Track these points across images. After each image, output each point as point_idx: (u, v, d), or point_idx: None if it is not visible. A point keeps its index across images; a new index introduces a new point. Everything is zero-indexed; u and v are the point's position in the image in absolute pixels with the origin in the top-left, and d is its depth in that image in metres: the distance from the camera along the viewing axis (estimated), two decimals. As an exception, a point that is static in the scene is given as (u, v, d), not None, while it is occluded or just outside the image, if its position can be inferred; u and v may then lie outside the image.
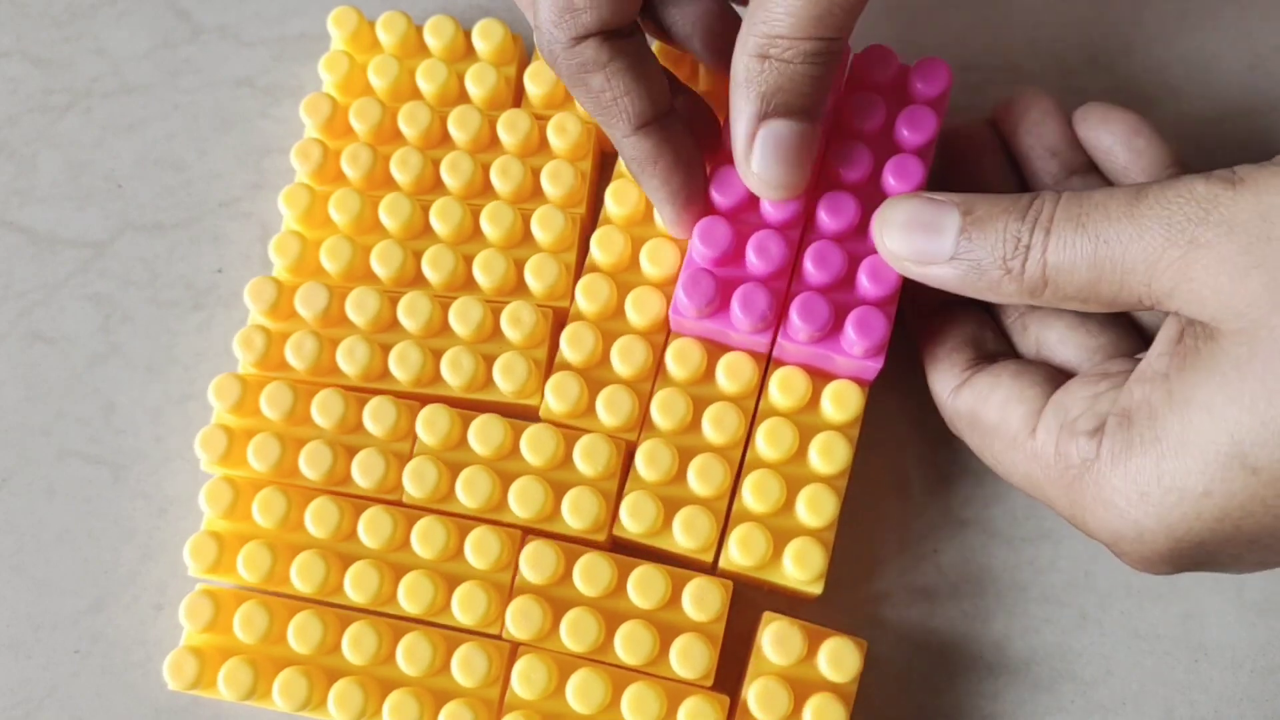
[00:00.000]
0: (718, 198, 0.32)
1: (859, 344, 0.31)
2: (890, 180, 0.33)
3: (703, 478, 0.32)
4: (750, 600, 0.33)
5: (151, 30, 0.41)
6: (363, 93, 0.37)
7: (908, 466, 0.36)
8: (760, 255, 0.32)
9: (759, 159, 0.29)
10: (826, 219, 0.32)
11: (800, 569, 0.31)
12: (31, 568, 0.36)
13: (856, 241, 0.33)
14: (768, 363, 0.33)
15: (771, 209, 0.32)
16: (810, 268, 0.32)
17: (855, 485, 0.35)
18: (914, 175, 0.32)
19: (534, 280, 0.34)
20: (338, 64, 0.37)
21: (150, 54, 0.40)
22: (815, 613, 0.34)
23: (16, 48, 0.41)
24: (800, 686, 0.31)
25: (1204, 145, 0.38)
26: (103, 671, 0.35)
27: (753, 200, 0.33)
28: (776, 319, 0.32)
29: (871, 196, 0.33)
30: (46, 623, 0.35)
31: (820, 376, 0.33)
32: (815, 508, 0.32)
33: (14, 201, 0.39)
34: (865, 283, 0.32)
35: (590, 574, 0.32)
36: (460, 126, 0.36)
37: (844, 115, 0.34)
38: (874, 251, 0.32)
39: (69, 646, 0.35)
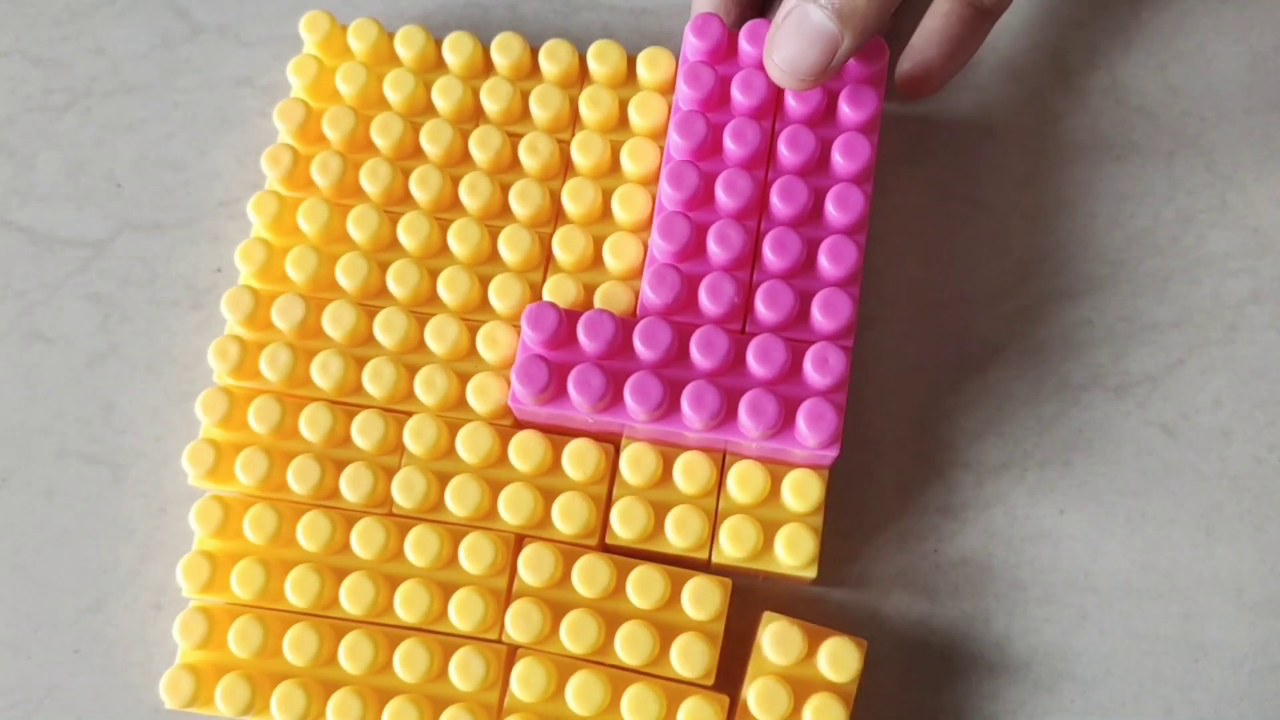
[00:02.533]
0: (672, 193, 0.33)
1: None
2: (839, 159, 0.33)
3: (688, 476, 0.32)
4: (750, 600, 0.33)
5: (151, 30, 0.41)
6: (331, 98, 0.37)
7: (907, 467, 0.36)
8: (722, 245, 0.32)
9: (783, 31, 0.30)
10: (780, 204, 0.33)
11: (792, 555, 0.31)
12: (31, 568, 0.36)
13: (812, 225, 0.33)
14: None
15: (727, 199, 0.32)
16: (770, 255, 0.32)
17: (855, 486, 0.35)
18: (862, 153, 0.33)
19: (498, 300, 0.34)
20: (306, 68, 0.36)
21: (150, 54, 0.40)
22: (815, 612, 0.34)
23: (16, 47, 0.41)
24: (800, 686, 0.31)
25: (1204, 145, 0.38)
26: (102, 671, 0.35)
27: (709, 193, 0.33)
28: (744, 305, 0.32)
29: (823, 178, 0.33)
30: (46, 623, 0.35)
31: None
32: (801, 493, 0.32)
33: (13, 201, 0.39)
34: (825, 264, 0.32)
35: (589, 575, 0.32)
36: (432, 140, 0.35)
37: (785, 100, 0.34)
38: (833, 232, 0.32)
39: (68, 646, 0.35)
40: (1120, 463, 0.35)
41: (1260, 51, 0.39)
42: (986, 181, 0.38)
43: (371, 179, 0.35)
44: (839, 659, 0.31)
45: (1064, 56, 0.39)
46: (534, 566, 0.32)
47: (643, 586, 0.31)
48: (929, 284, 0.37)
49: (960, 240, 0.38)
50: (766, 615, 0.32)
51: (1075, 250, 0.37)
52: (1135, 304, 0.37)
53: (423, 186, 0.35)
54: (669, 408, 0.31)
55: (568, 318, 0.32)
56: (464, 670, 0.31)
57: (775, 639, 0.31)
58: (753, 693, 0.31)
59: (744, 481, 0.32)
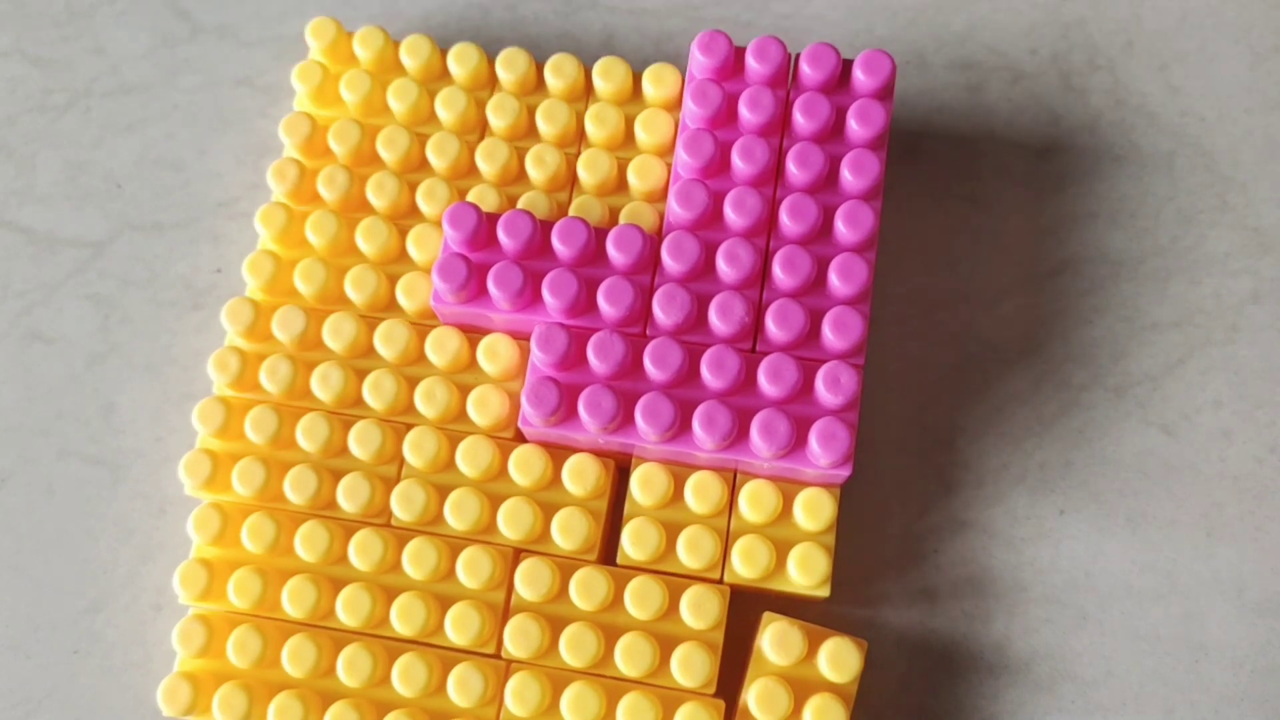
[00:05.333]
0: (681, 212, 0.32)
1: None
2: (848, 176, 0.33)
3: (700, 496, 0.32)
4: (750, 600, 0.33)
5: (151, 30, 0.41)
6: (335, 104, 0.37)
7: (908, 467, 0.36)
8: (731, 264, 0.32)
9: None
10: (789, 223, 0.32)
11: (805, 574, 0.31)
12: (31, 568, 0.35)
13: (822, 243, 0.33)
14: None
15: (735, 218, 0.32)
16: (780, 273, 0.32)
17: (856, 486, 0.35)
18: (871, 169, 0.32)
19: None
20: (311, 74, 0.36)
21: (149, 54, 0.40)
22: (816, 613, 0.34)
23: (16, 48, 0.41)
24: (800, 687, 0.31)
25: (1204, 145, 0.38)
26: (102, 672, 0.35)
27: (717, 212, 0.33)
28: (754, 324, 0.32)
29: (832, 194, 0.33)
30: (46, 623, 0.35)
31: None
32: (813, 512, 0.32)
33: (13, 201, 0.39)
34: (836, 282, 0.32)
35: (586, 588, 0.31)
36: (439, 153, 0.35)
37: (793, 117, 0.33)
38: (843, 250, 0.32)
39: (68, 647, 0.35)
40: (1120, 463, 0.35)
41: (1260, 51, 0.39)
42: (986, 181, 0.38)
43: (378, 192, 0.35)
44: (839, 659, 0.31)
45: (1065, 56, 0.39)
46: (530, 581, 0.31)
47: (641, 597, 0.31)
48: (929, 284, 0.37)
49: (960, 240, 0.38)
50: (767, 615, 0.31)
51: (1075, 250, 0.37)
52: (1135, 304, 0.37)
53: (429, 199, 0.35)
54: (680, 428, 0.31)
55: (577, 338, 0.32)
56: (462, 686, 0.31)
57: (776, 639, 0.31)
58: (753, 694, 0.31)
59: (756, 501, 0.32)
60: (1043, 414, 0.36)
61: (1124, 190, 0.38)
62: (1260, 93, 0.39)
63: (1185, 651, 0.34)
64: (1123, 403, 0.36)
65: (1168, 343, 0.36)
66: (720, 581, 0.32)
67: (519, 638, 0.31)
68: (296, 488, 0.33)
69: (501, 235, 0.32)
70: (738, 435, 0.31)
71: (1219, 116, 0.39)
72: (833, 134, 0.34)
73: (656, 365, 0.31)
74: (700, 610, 0.31)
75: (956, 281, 0.37)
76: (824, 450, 0.30)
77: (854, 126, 0.33)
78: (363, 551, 0.32)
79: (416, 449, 0.33)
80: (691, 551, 0.31)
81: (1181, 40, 0.39)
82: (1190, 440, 0.36)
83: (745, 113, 0.33)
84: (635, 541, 0.32)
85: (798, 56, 0.34)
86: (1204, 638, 0.34)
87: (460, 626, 0.31)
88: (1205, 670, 0.34)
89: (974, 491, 0.35)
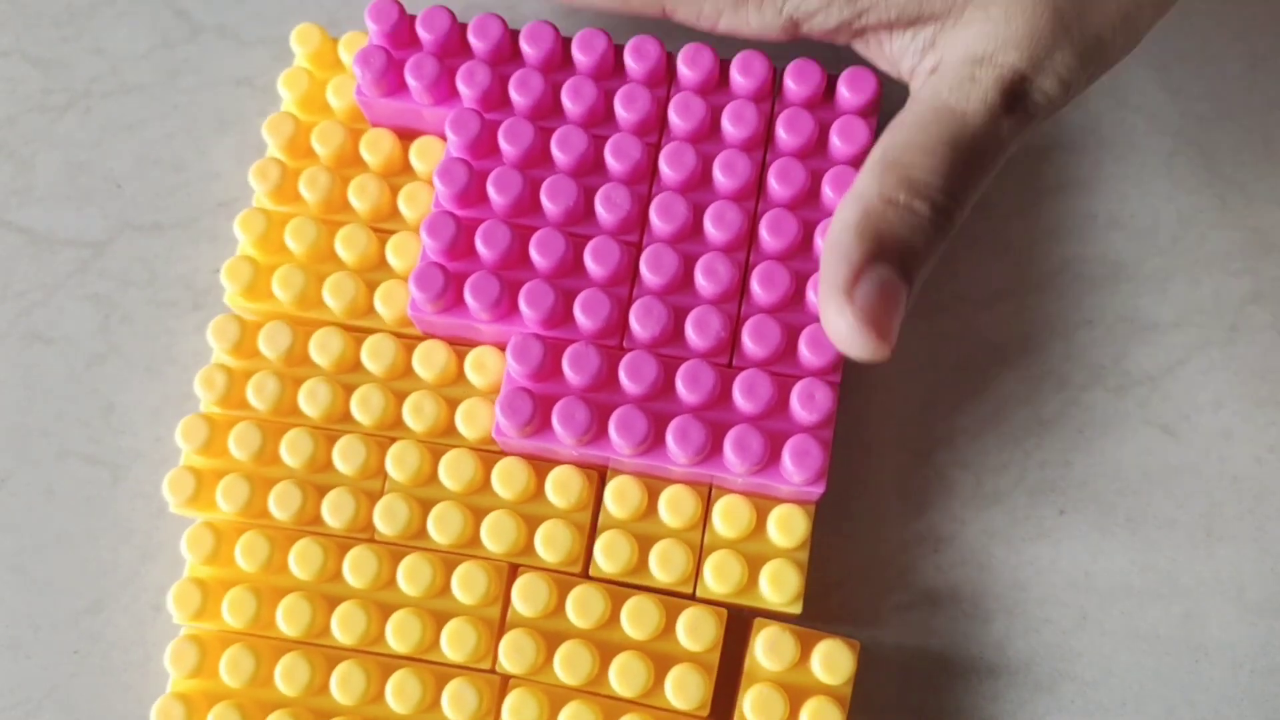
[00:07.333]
0: (661, 226, 0.32)
1: (816, 360, 0.31)
2: (829, 193, 0.32)
3: (673, 510, 0.32)
4: (744, 621, 0.33)
5: (150, 30, 0.41)
6: (322, 111, 0.37)
7: (907, 466, 0.36)
8: (709, 278, 0.32)
9: (863, 297, 0.26)
10: (769, 238, 0.32)
11: (776, 591, 0.31)
12: (31, 568, 0.36)
13: (801, 259, 0.33)
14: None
15: (715, 232, 0.32)
16: (758, 289, 0.32)
17: (855, 486, 0.35)
18: None
19: None
20: (298, 81, 0.36)
21: (149, 54, 0.40)
22: (815, 614, 0.34)
23: (15, 48, 0.41)
24: (795, 692, 0.31)
25: (1204, 145, 0.38)
26: (102, 672, 0.35)
27: (698, 226, 0.33)
28: (731, 338, 0.32)
29: (812, 210, 0.33)
30: (46, 623, 0.35)
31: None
32: (786, 529, 0.31)
33: (13, 202, 0.39)
34: (814, 299, 0.32)
35: (583, 606, 0.31)
36: (421, 157, 0.35)
37: (776, 132, 0.33)
38: (817, 266, 0.32)
39: (68, 647, 0.35)
40: (1120, 463, 0.35)
41: (1260, 51, 0.39)
42: (986, 181, 0.38)
43: (360, 195, 0.35)
44: (832, 661, 0.31)
45: (1064, 56, 0.39)
46: (528, 596, 0.31)
47: (637, 617, 0.31)
48: (929, 284, 0.37)
49: (960, 240, 0.38)
50: (758, 622, 0.31)
51: (1075, 250, 0.37)
52: (1135, 304, 0.37)
53: (411, 204, 0.35)
54: (654, 442, 0.31)
55: (553, 349, 0.32)
56: (457, 702, 0.31)
57: (768, 645, 0.31)
58: (748, 702, 0.31)
59: (729, 516, 0.32)
60: (1043, 414, 0.36)
61: (1124, 190, 0.38)
62: (1260, 93, 0.39)
63: (1185, 651, 0.34)
64: (1123, 403, 0.36)
65: (1168, 343, 0.36)
66: (693, 596, 0.32)
67: (514, 653, 0.31)
68: (281, 504, 0.32)
69: (479, 245, 0.32)
70: (712, 450, 0.31)
71: (1219, 116, 0.39)
72: (816, 150, 0.34)
73: (631, 378, 0.31)
74: (696, 632, 0.31)
75: (956, 281, 0.37)
76: (797, 468, 0.30)
77: (837, 143, 0.33)
78: (357, 568, 0.32)
79: (399, 463, 0.33)
80: (663, 565, 0.31)
81: (1181, 40, 0.39)
82: (1190, 440, 0.36)
83: (728, 126, 0.33)
84: (607, 554, 0.31)
85: (783, 71, 0.34)
86: (1204, 638, 0.34)
87: (456, 642, 0.31)
88: (1205, 670, 0.34)
89: (973, 491, 0.35)
